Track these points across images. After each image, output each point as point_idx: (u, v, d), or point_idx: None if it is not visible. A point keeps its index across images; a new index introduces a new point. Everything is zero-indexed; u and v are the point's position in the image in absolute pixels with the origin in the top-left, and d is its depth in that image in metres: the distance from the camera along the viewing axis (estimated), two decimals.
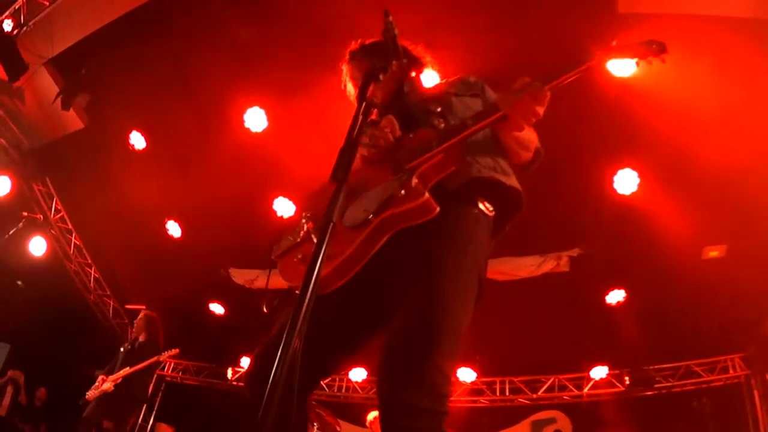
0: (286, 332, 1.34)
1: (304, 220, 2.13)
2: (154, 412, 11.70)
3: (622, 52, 1.91)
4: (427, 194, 1.85)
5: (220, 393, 11.16)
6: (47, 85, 7.34)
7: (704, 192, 6.15)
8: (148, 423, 11.52)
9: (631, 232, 6.76)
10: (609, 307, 7.83)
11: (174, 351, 7.18)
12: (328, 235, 1.46)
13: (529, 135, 2.13)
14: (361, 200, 1.97)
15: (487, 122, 1.93)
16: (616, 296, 7.81)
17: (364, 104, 1.77)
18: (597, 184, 6.61)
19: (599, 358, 8.79)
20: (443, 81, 2.41)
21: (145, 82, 6.84)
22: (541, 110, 1.92)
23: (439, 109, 2.13)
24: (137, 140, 7.65)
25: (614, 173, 6.57)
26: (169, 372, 12.15)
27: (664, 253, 6.77)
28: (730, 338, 7.71)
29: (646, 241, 6.67)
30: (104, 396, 6.68)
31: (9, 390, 10.23)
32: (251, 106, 6.86)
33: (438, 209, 1.86)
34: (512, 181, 2.09)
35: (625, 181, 6.55)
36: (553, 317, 7.77)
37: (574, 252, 7.27)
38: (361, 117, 1.72)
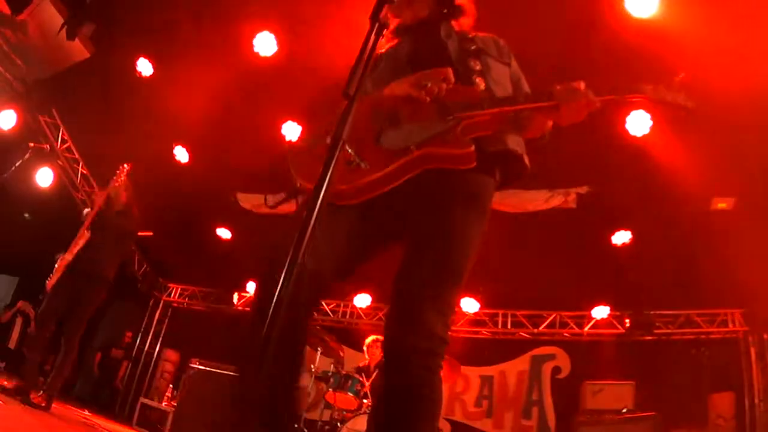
0: (292, 248, 1.35)
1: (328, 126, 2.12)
2: (160, 338, 11.96)
3: (661, 102, 2.08)
4: (473, 146, 1.98)
5: (226, 318, 11.39)
6: (51, 16, 7.22)
7: (718, 142, 6.06)
8: (154, 349, 11.79)
9: (641, 175, 6.70)
10: (614, 247, 7.83)
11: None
12: (337, 153, 1.47)
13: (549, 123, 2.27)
14: (403, 129, 2.06)
15: (538, 105, 2.04)
16: (621, 237, 7.79)
17: (376, 25, 1.76)
18: (610, 124, 6.52)
19: (601, 298, 8.88)
20: (472, 33, 2.41)
21: (151, 7, 6.71)
22: (585, 115, 2.02)
23: (478, 68, 2.21)
24: (144, 67, 7.54)
25: (627, 114, 6.48)
26: (176, 297, 12.36)
27: (673, 200, 6.74)
28: (732, 292, 7.75)
29: (656, 185, 6.62)
30: (65, 279, 5.60)
31: (18, 321, 10.46)
32: (260, 30, 6.71)
33: (474, 164, 1.98)
34: (526, 158, 2.22)
35: (638, 123, 6.46)
36: (558, 254, 7.79)
37: (583, 189, 7.22)
38: (373, 37, 1.74)
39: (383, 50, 2.41)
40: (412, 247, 2.01)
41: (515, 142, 2.15)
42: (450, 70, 2.12)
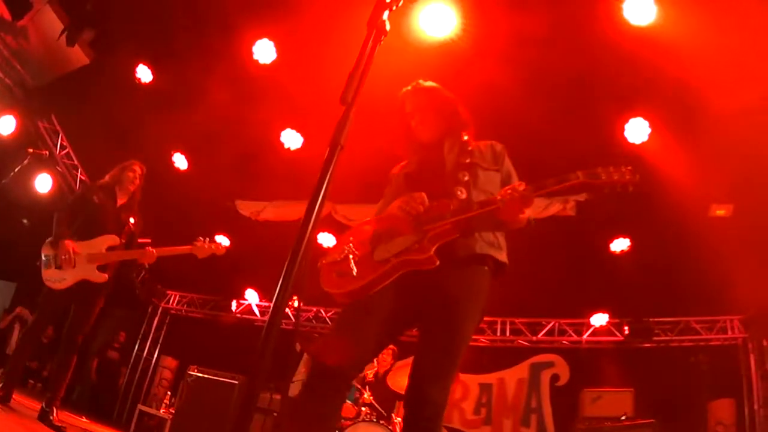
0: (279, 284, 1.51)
1: (347, 246, 2.69)
2: (159, 345, 11.93)
3: (600, 185, 2.59)
4: (431, 251, 2.49)
5: (224, 325, 11.37)
6: (51, 22, 7.27)
7: (716, 150, 6.08)
8: (153, 356, 11.77)
9: (640, 182, 6.71)
10: (613, 255, 7.84)
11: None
12: (336, 156, 1.54)
13: (523, 217, 2.69)
14: (390, 243, 2.61)
15: (487, 209, 2.51)
16: (620, 244, 7.82)
17: (374, 31, 1.89)
18: (609, 132, 6.55)
19: (600, 305, 8.89)
20: (474, 144, 2.85)
21: (151, 14, 6.74)
22: (527, 210, 2.59)
23: (466, 179, 2.67)
24: (144, 73, 7.58)
25: (626, 121, 6.50)
26: (174, 305, 12.34)
27: (671, 207, 6.74)
28: (730, 299, 7.74)
29: (654, 192, 6.63)
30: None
31: (16, 327, 10.44)
32: (260, 38, 6.77)
33: (437, 263, 2.47)
34: (502, 256, 2.67)
35: (637, 131, 6.49)
36: (557, 261, 7.79)
37: (582, 197, 7.24)
38: (371, 43, 1.88)
39: (396, 171, 3.00)
40: (421, 335, 2.53)
41: (486, 245, 2.60)
42: (423, 195, 2.63)
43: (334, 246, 2.79)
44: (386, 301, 2.55)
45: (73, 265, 4.96)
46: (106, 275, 5.08)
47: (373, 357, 2.73)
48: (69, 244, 4.96)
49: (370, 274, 2.56)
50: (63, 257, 4.93)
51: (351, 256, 2.65)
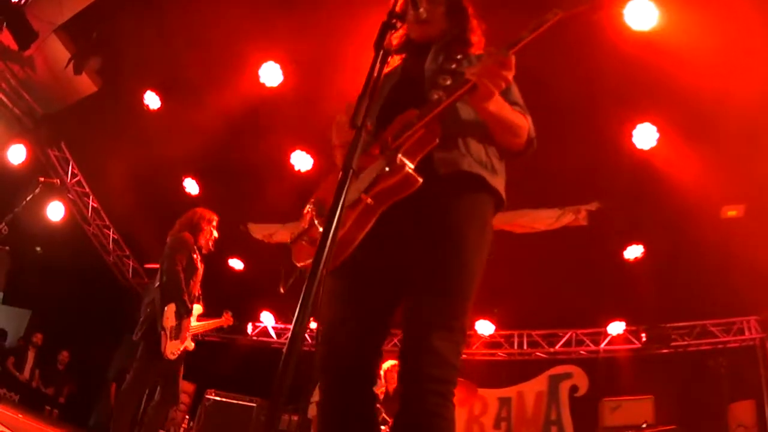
0: (298, 308, 1.37)
1: (308, 208, 2.26)
2: None
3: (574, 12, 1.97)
4: (407, 168, 1.93)
5: (240, 349, 11.34)
6: (58, 51, 7.35)
7: (725, 150, 6.05)
8: None
9: (650, 188, 6.70)
10: (627, 262, 7.79)
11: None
12: (348, 183, 1.48)
13: (518, 120, 2.14)
14: (357, 181, 1.98)
15: (458, 94, 1.97)
16: (633, 252, 7.76)
17: (381, 52, 1.77)
18: (616, 139, 6.54)
19: (616, 313, 8.81)
20: (465, 51, 2.33)
21: (158, 41, 6.80)
22: (508, 74, 1.94)
23: (447, 83, 2.12)
24: (152, 100, 7.65)
25: (633, 127, 6.48)
26: None
27: (683, 211, 6.70)
28: (746, 299, 7.66)
29: (665, 197, 6.61)
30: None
31: (31, 353, 10.46)
32: (266, 60, 6.82)
33: (420, 181, 1.93)
34: (496, 182, 2.13)
35: (645, 136, 6.46)
36: (571, 271, 7.75)
37: (593, 206, 7.21)
38: (378, 65, 1.74)
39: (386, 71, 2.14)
40: (415, 279, 2.00)
41: (475, 162, 2.09)
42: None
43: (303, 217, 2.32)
44: (373, 255, 2.03)
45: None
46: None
47: (385, 330, 2.11)
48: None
49: (344, 224, 1.96)
50: (185, 332, 4.87)
51: (315, 218, 2.19)
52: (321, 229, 2.04)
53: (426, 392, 1.84)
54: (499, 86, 1.94)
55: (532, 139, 2.21)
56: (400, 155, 1.95)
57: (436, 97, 2.04)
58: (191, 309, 4.94)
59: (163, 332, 4.77)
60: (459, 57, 2.24)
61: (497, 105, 2.02)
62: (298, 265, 2.19)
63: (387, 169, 1.95)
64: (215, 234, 5.36)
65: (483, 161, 2.10)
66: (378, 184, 1.96)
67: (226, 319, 5.40)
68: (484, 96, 1.96)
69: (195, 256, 5.08)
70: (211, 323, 5.25)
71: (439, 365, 1.86)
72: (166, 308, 4.79)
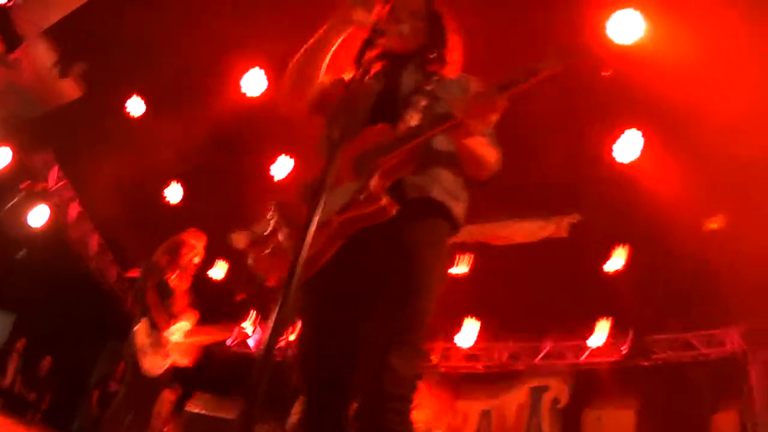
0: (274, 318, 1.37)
1: (270, 214, 2.20)
2: None
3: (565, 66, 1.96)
4: (384, 200, 1.92)
5: (221, 357, 11.28)
6: (44, 54, 7.30)
7: (706, 163, 6.10)
8: None
9: (632, 200, 6.74)
10: (608, 274, 7.82)
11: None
12: (322, 200, 1.46)
13: (489, 155, 2.16)
14: (330, 197, 1.88)
15: (442, 128, 1.96)
16: (615, 264, 7.79)
17: (361, 69, 1.83)
18: (597, 151, 6.57)
19: (597, 326, 8.81)
20: (441, 73, 2.32)
21: (143, 46, 6.77)
22: (494, 117, 1.94)
23: (423, 103, 2.14)
24: (136, 105, 7.63)
25: (615, 140, 6.52)
26: None
27: (664, 223, 6.73)
28: (728, 311, 7.72)
29: (647, 209, 6.65)
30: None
31: (14, 358, 10.36)
32: (251, 67, 6.85)
33: (393, 212, 1.94)
34: (458, 209, 2.17)
35: (626, 149, 6.50)
36: (552, 283, 7.74)
37: (574, 218, 7.24)
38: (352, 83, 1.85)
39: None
40: (373, 296, 2.03)
41: (443, 191, 2.11)
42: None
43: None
44: (342, 271, 2.02)
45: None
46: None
47: (354, 346, 2.05)
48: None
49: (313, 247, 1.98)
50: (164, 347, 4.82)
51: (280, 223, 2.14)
52: (285, 242, 2.05)
53: (385, 411, 1.86)
54: (484, 127, 1.96)
55: (498, 171, 2.23)
56: (374, 182, 1.93)
57: (416, 124, 2.05)
58: (164, 322, 4.89)
59: (138, 352, 4.76)
60: (436, 78, 2.24)
61: (474, 141, 2.05)
62: (259, 274, 2.20)
63: (361, 197, 1.93)
64: (196, 260, 5.36)
65: (450, 190, 2.13)
66: (350, 209, 1.95)
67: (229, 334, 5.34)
68: (466, 134, 1.98)
69: (172, 276, 5.12)
70: (209, 337, 5.20)
71: (398, 384, 1.88)
72: (135, 328, 4.81)
